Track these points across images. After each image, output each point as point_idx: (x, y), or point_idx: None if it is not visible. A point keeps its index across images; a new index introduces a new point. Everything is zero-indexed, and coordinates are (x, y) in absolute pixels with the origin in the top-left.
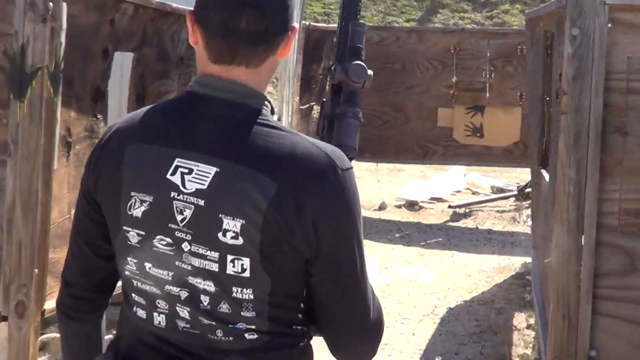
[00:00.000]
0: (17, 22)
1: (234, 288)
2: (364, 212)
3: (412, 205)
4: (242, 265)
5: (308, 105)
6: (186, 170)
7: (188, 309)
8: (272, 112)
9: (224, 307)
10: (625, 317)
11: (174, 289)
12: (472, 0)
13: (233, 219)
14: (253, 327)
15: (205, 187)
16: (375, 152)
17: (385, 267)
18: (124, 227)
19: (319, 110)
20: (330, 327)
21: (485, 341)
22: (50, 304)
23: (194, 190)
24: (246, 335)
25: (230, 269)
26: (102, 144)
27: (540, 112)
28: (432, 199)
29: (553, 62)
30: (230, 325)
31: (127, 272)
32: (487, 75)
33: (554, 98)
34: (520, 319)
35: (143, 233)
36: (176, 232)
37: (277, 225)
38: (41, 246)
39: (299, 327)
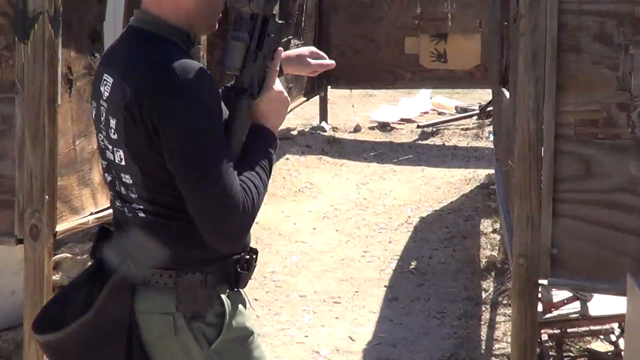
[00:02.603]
0: None
1: (121, 174)
2: (341, 135)
3: (384, 127)
4: (120, 155)
5: (286, 39)
6: (105, 82)
7: (114, 191)
8: (191, 43)
9: (122, 190)
10: (582, 217)
11: (108, 177)
12: None
13: (113, 119)
14: (141, 207)
15: (108, 94)
16: (349, 79)
17: (362, 183)
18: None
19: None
20: (188, 207)
21: (456, 245)
22: (61, 227)
23: (106, 97)
24: (139, 213)
25: (116, 159)
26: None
27: (499, 36)
28: (402, 120)
29: None
30: (128, 204)
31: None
32: (449, 6)
33: (512, 22)
34: (486, 225)
35: (96, 132)
36: (102, 132)
37: (132, 123)
38: (50, 175)
39: (180, 212)
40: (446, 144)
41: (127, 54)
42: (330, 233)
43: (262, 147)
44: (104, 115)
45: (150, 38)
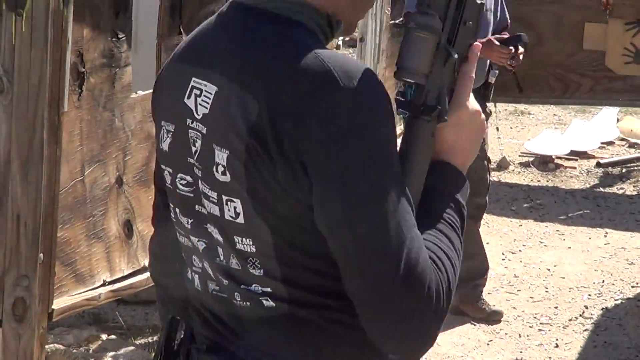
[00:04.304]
0: None
1: (235, 237)
2: None
3: (545, 163)
4: (235, 208)
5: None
6: (198, 92)
7: (208, 265)
8: (331, 30)
9: (234, 263)
10: None
11: (194, 240)
12: None
13: (221, 150)
14: (268, 289)
15: (207, 111)
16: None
17: (510, 252)
18: (161, 165)
19: None
20: (348, 284)
21: None
22: (60, 302)
23: (202, 116)
24: (263, 301)
25: (227, 213)
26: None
27: None
28: (573, 153)
29: None
30: (244, 287)
31: (172, 222)
32: None
33: None
34: None
35: (171, 170)
36: (194, 169)
37: (258, 156)
38: (47, 221)
39: (337, 301)
40: None
41: (240, 47)
42: (463, 328)
43: (450, 197)
44: (197, 144)
45: (276, 22)
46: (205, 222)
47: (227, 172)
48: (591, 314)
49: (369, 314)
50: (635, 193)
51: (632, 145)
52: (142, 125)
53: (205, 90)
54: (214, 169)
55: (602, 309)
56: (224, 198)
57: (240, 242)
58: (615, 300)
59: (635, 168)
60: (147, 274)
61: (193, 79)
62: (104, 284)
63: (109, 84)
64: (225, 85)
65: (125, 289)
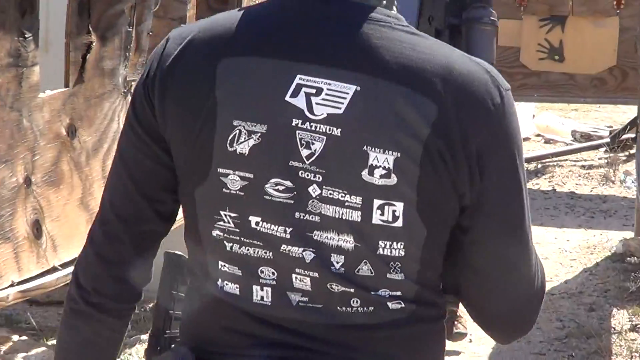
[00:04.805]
0: None
1: (380, 242)
2: None
3: None
4: (394, 211)
5: None
6: (313, 91)
7: (313, 275)
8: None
9: (365, 269)
10: None
11: (295, 250)
12: None
13: (383, 152)
14: (398, 293)
15: (341, 111)
16: None
17: None
18: (220, 170)
19: None
20: (480, 298)
21: (573, 349)
22: None
23: (325, 116)
24: (389, 304)
25: (377, 218)
26: (172, 59)
27: None
28: None
29: None
30: (372, 292)
31: (216, 233)
32: None
33: None
34: (621, 318)
35: (251, 176)
36: (300, 173)
37: (439, 157)
38: None
39: (440, 295)
40: (557, 189)
41: (378, 43)
42: None
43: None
44: (315, 146)
45: (394, 19)
46: (312, 229)
47: (393, 175)
48: None
49: (507, 324)
50: (550, 188)
51: (547, 141)
52: (51, 125)
53: (330, 89)
54: (364, 172)
55: None
56: (377, 202)
57: (387, 246)
58: None
59: (551, 164)
60: (57, 274)
61: (299, 76)
62: (12, 285)
63: (15, 84)
64: (372, 83)
65: (35, 290)
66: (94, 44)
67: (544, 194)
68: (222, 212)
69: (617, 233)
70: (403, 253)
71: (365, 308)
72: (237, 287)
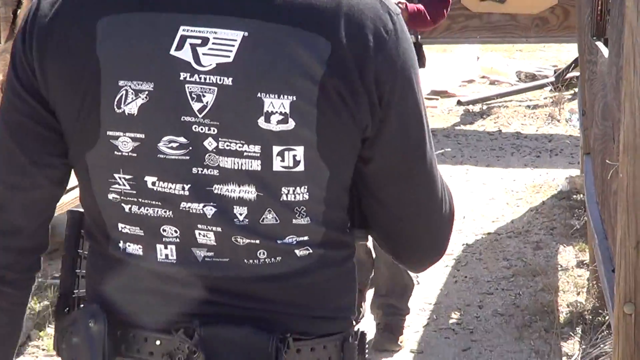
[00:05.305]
0: None
1: (283, 189)
2: None
3: None
4: (295, 156)
5: None
6: (198, 41)
7: (216, 229)
8: None
9: (270, 217)
10: None
11: (195, 206)
12: None
13: (278, 97)
14: (305, 238)
15: (231, 59)
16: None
17: None
18: (109, 133)
19: None
20: (389, 229)
21: (521, 287)
22: None
23: (214, 66)
24: (297, 252)
25: (277, 165)
26: (49, 19)
27: None
28: (434, 92)
29: None
30: (278, 241)
31: (112, 196)
32: None
33: None
34: (567, 255)
35: (142, 136)
36: (194, 127)
37: (337, 95)
38: None
39: (348, 234)
40: (503, 129)
41: None
42: None
43: None
44: (206, 99)
45: None
46: (211, 183)
47: (290, 119)
48: (452, 250)
49: (417, 251)
50: (496, 129)
51: (492, 83)
52: None
53: (217, 38)
54: (260, 120)
55: (463, 244)
56: (277, 149)
57: (290, 192)
58: (476, 235)
59: (496, 105)
60: None
61: (182, 27)
62: None
63: None
64: (261, 27)
65: None
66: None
67: (489, 135)
68: (116, 175)
69: (563, 171)
70: (307, 197)
71: (272, 259)
72: (140, 248)
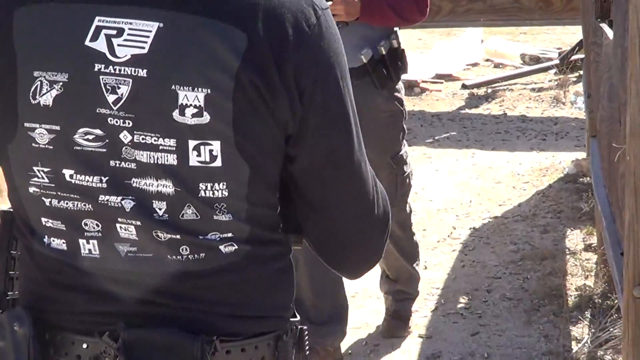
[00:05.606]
0: None
1: (201, 185)
2: None
3: (410, 87)
4: (211, 151)
5: None
6: (113, 32)
7: (136, 224)
8: None
9: (189, 213)
10: None
11: (113, 199)
12: None
13: (193, 90)
14: (229, 234)
15: (145, 51)
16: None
17: None
18: (27, 124)
19: None
20: (320, 232)
21: (529, 272)
22: None
23: (128, 57)
24: (221, 248)
25: (194, 160)
26: None
27: None
28: (439, 76)
29: None
30: (200, 237)
31: (32, 190)
32: None
33: None
34: (575, 239)
35: (57, 128)
36: (109, 120)
37: (253, 89)
38: None
39: (280, 233)
40: (508, 113)
41: None
42: None
43: None
44: (122, 90)
45: None
46: (129, 177)
47: (205, 113)
48: (459, 234)
49: (349, 256)
50: (501, 113)
51: (497, 66)
52: None
53: (132, 29)
54: (175, 113)
55: (470, 228)
56: (193, 143)
57: (208, 188)
58: (483, 219)
59: (501, 88)
60: None
61: (97, 18)
62: None
63: None
64: (176, 18)
65: None
66: None
67: (495, 119)
68: (35, 168)
69: (568, 154)
70: (227, 193)
71: (196, 255)
72: (63, 243)
